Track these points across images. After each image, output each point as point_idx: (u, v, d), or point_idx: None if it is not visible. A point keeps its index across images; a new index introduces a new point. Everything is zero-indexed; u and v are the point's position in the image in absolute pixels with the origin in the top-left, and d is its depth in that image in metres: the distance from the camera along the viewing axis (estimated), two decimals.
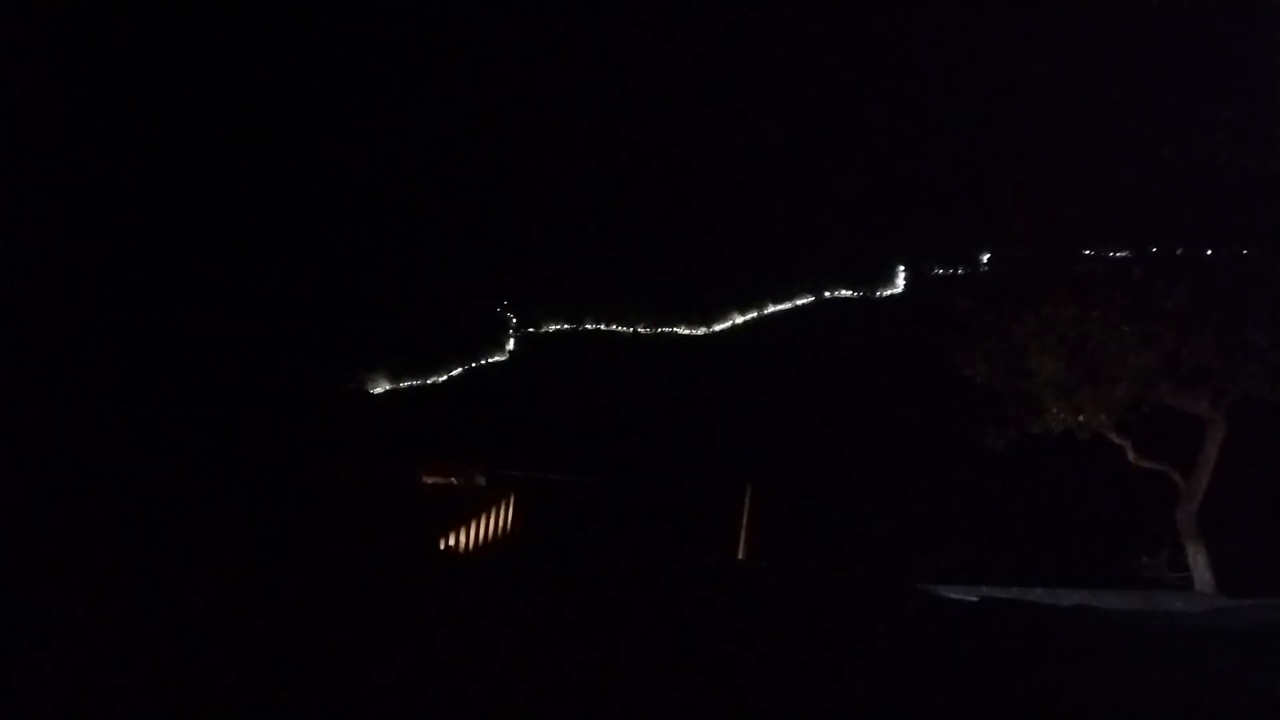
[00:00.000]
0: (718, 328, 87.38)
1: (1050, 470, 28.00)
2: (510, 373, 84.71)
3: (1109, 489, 25.26)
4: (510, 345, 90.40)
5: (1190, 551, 19.22)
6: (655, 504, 32.51)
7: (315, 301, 77.02)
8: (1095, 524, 28.10)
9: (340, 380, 75.34)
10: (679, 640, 9.83)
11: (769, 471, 36.59)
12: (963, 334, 20.01)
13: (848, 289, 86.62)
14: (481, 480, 24.35)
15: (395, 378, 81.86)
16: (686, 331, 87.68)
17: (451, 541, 18.65)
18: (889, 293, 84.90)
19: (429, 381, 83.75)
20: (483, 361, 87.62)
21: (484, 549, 19.72)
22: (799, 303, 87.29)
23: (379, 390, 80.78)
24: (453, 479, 24.59)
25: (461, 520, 19.17)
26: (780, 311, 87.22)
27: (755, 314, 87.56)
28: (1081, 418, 19.17)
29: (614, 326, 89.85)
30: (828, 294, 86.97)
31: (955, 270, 76.26)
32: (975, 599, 15.90)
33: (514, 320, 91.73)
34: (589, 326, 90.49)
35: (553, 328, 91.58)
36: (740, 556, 22.23)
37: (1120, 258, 19.38)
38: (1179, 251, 19.30)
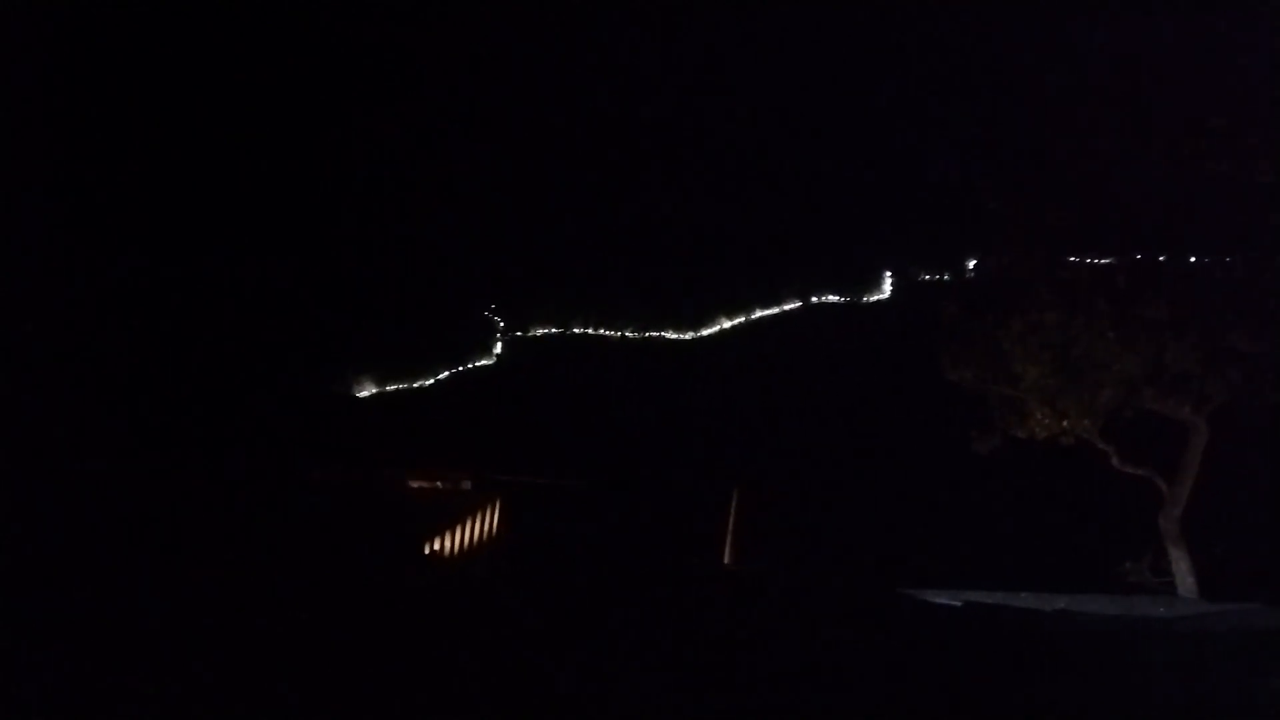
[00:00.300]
0: (706, 332, 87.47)
1: (1035, 475, 28.09)
2: (498, 377, 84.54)
3: (1093, 494, 25.36)
4: (498, 349, 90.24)
5: (1173, 556, 19.31)
6: (642, 508, 32.45)
7: (303, 305, 76.71)
8: (1079, 529, 28.20)
9: (327, 384, 75.03)
10: (663, 645, 9.82)
11: (756, 476, 36.58)
12: (949, 339, 20.09)
13: (835, 294, 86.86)
14: (468, 484, 24.33)
15: (382, 381, 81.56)
16: (674, 336, 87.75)
17: (437, 546, 18.60)
18: (876, 298, 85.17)
19: (416, 385, 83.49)
20: (470, 365, 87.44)
21: (470, 553, 19.68)
22: (786, 308, 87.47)
23: (366, 394, 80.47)
24: (439, 483, 24.56)
25: (447, 524, 19.13)
26: (768, 316, 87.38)
27: (743, 319, 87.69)
28: (1066, 423, 19.26)
29: (602, 331, 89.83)
30: (815, 299, 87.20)
31: (942, 276, 76.67)
32: (959, 604, 15.94)
33: (502, 324, 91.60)
34: (577, 331, 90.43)
35: (541, 332, 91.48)
36: (726, 561, 22.25)
37: (1105, 264, 19.50)
38: (1162, 259, 19.43)
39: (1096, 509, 26.74)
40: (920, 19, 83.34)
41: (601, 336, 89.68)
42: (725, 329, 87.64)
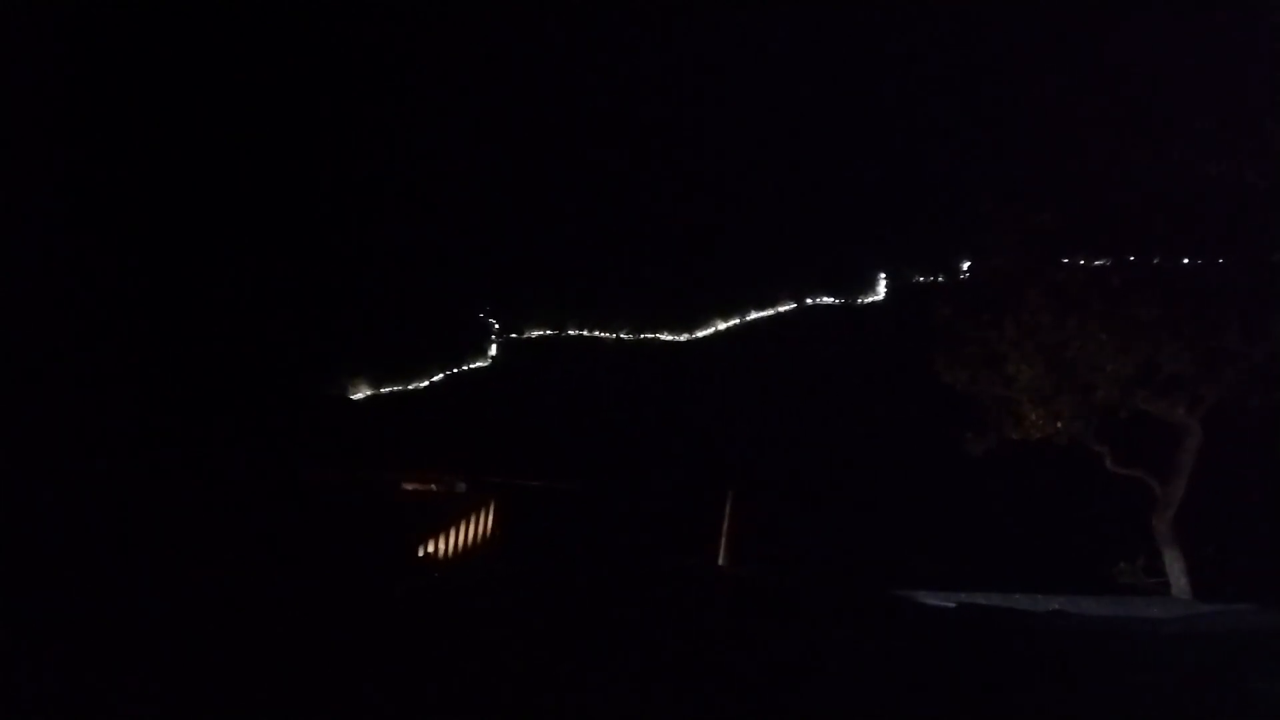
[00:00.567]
0: (700, 334, 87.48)
1: (1029, 477, 28.13)
2: (493, 378, 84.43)
3: (1087, 495, 25.41)
4: (493, 351, 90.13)
5: (1167, 557, 19.36)
6: (637, 510, 32.45)
7: (297, 308, 76.55)
8: (1073, 530, 28.24)
9: (321, 385, 74.87)
10: (657, 646, 9.81)
11: (751, 477, 36.59)
12: (943, 341, 20.12)
13: (830, 296, 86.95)
14: (462, 487, 24.32)
15: (377, 383, 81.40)
16: (669, 338, 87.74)
17: (431, 548, 18.58)
18: (870, 300, 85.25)
19: (411, 387, 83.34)
20: (465, 367, 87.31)
21: (464, 555, 19.66)
22: (781, 309, 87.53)
23: (360, 396, 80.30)
24: (433, 485, 24.55)
25: (441, 527, 19.11)
26: (762, 318, 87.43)
27: (738, 320, 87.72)
28: (1059, 424, 19.31)
29: (597, 333, 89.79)
30: (810, 301, 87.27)
31: (936, 278, 76.79)
32: (953, 605, 15.95)
33: (497, 326, 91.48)
34: (572, 332, 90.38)
35: (535, 333, 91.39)
36: (721, 562, 22.24)
37: (1098, 266, 19.54)
38: (1156, 260, 19.48)
39: (1090, 510, 26.78)
40: (914, 21, 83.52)
41: (596, 338, 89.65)
42: (720, 330, 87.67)
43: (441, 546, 19.05)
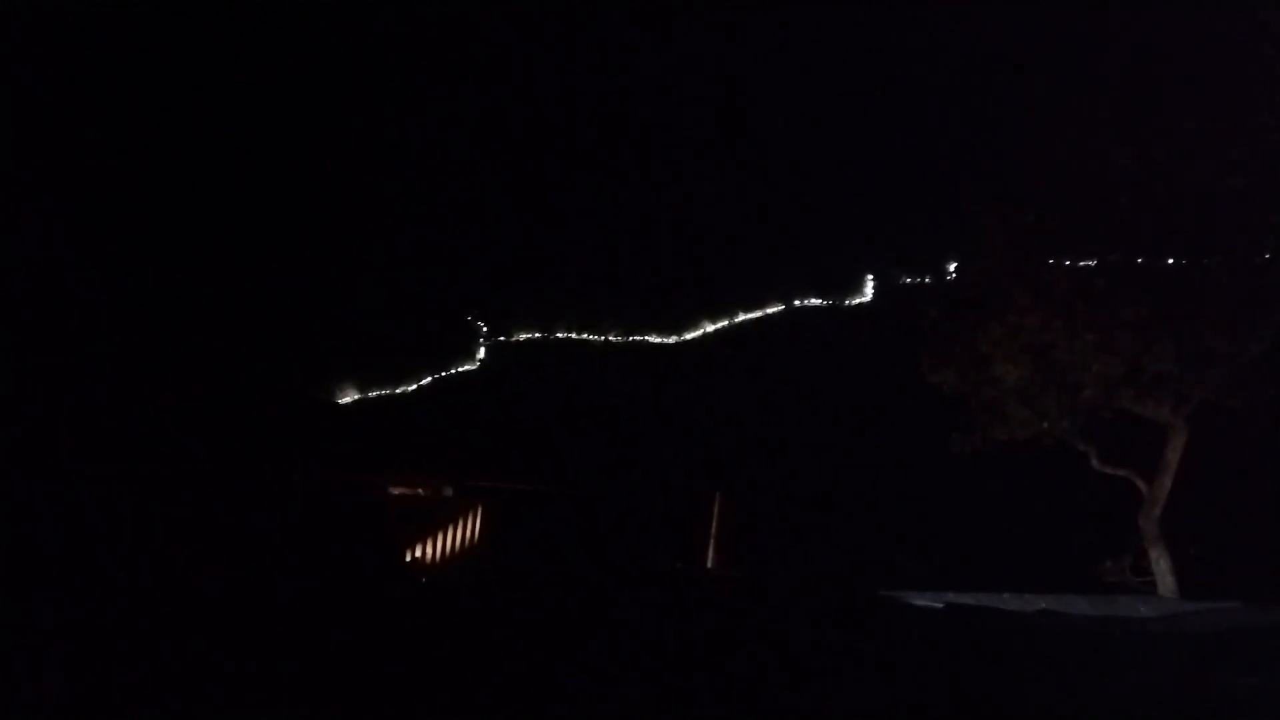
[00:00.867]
0: (688, 336, 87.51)
1: (1015, 476, 28.21)
2: (480, 382, 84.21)
3: (1073, 494, 25.48)
4: (480, 354, 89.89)
5: (1153, 556, 19.44)
6: (625, 513, 32.38)
7: (284, 311, 76.18)
8: (1059, 529, 28.32)
9: (306, 389, 74.53)
10: (646, 648, 9.78)
11: (738, 479, 36.57)
12: (930, 342, 20.17)
13: (817, 297, 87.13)
14: (449, 491, 24.19)
15: (363, 387, 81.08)
16: (658, 340, 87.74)
17: (418, 553, 18.49)
18: (858, 301, 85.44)
19: (397, 391, 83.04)
20: (452, 370, 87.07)
21: (451, 560, 19.58)
22: (769, 311, 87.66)
23: (346, 399, 79.98)
24: (420, 490, 24.42)
25: (428, 531, 19.03)
26: (750, 320, 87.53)
27: (726, 322, 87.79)
28: (1046, 424, 19.39)
29: (585, 335, 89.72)
30: (797, 303, 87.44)
31: (923, 279, 77.09)
32: (940, 605, 15.97)
33: (484, 329, 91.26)
34: (560, 335, 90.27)
35: (523, 336, 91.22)
36: (709, 565, 22.23)
37: (1083, 267, 19.61)
38: (1140, 261, 19.56)
39: (1077, 509, 26.87)
40: (899, 24, 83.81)
41: (585, 341, 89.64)
42: (708, 332, 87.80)
43: (429, 551, 18.97)
